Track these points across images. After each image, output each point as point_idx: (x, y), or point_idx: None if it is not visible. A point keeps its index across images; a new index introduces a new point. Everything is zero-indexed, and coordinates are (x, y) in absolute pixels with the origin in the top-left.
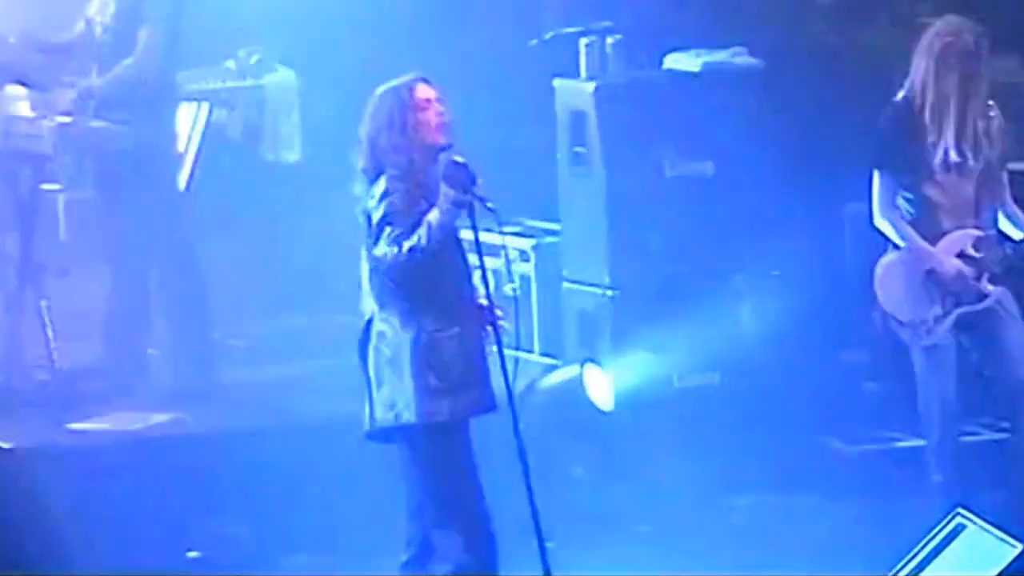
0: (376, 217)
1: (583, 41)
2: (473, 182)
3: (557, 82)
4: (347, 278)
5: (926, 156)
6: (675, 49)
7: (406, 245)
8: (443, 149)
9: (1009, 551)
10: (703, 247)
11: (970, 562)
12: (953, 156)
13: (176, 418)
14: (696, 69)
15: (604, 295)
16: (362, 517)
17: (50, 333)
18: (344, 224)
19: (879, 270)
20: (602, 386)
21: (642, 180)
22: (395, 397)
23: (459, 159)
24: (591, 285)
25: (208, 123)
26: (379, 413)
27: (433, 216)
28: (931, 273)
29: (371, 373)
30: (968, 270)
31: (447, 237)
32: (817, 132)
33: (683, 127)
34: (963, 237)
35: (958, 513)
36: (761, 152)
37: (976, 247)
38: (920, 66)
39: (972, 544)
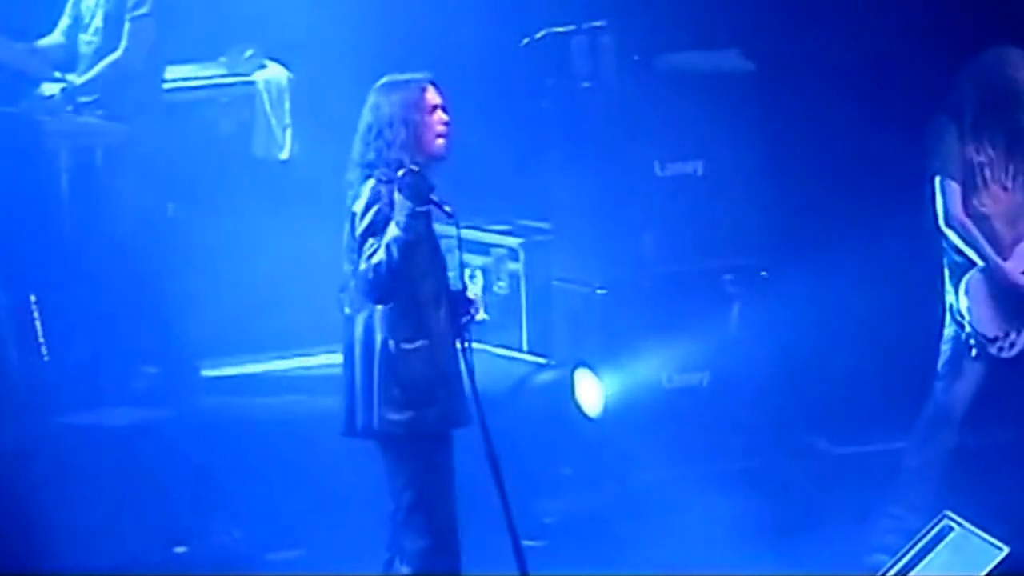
0: (361, 227)
1: (575, 40)
2: (430, 190)
3: (549, 81)
4: (337, 275)
5: (973, 166)
6: (667, 49)
7: (373, 261)
8: (438, 160)
9: (995, 554)
10: (693, 247)
11: (957, 565)
12: (999, 174)
13: (163, 414)
14: (687, 69)
15: (594, 294)
16: (349, 515)
17: (39, 327)
18: (335, 222)
19: (964, 287)
20: (592, 393)
21: (632, 180)
22: (363, 401)
23: (415, 168)
24: (581, 284)
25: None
26: (353, 414)
27: (391, 232)
28: (1008, 288)
29: (347, 372)
30: None
31: (414, 249)
32: (808, 133)
33: (674, 127)
34: None
35: (945, 516)
36: (751, 153)
37: None
38: (968, 92)
39: (959, 547)
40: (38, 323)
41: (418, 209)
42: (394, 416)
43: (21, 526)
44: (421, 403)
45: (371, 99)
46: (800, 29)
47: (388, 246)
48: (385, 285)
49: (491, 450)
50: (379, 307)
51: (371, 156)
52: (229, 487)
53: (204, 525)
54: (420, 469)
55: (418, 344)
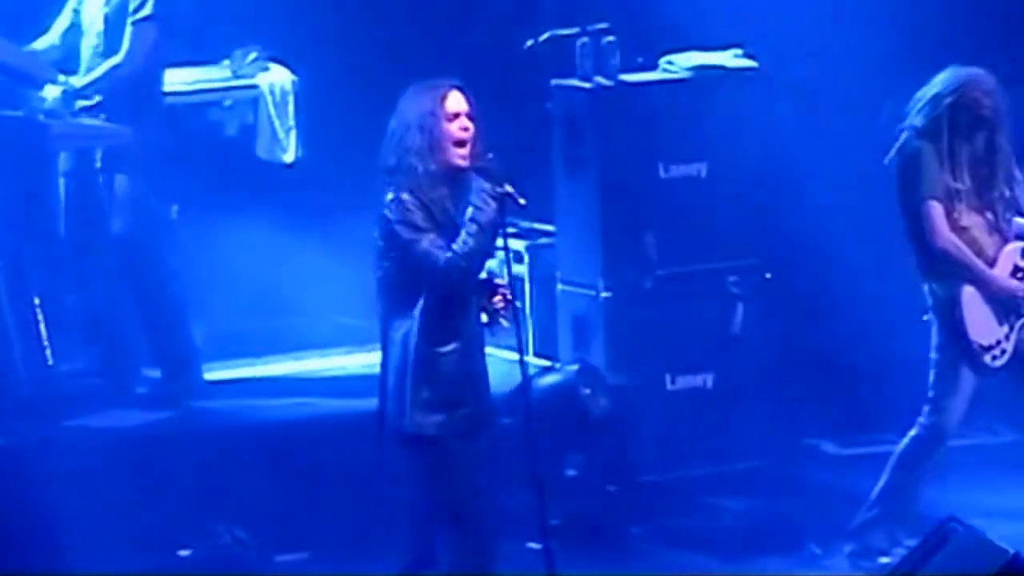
0: (402, 233)
1: (579, 42)
2: (506, 177)
3: (553, 83)
4: (341, 277)
5: (950, 187)
6: (671, 50)
7: (456, 248)
8: (458, 171)
9: (1000, 556)
10: (697, 249)
11: (961, 566)
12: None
13: (166, 417)
14: (691, 71)
15: (598, 297)
16: (355, 517)
17: (43, 330)
18: (340, 224)
19: (960, 301)
20: (596, 395)
21: (636, 182)
22: (395, 402)
23: (490, 155)
24: (585, 287)
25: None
26: (389, 415)
27: (472, 213)
28: (1000, 294)
29: (382, 376)
30: (1021, 285)
31: (487, 233)
32: (812, 135)
33: (678, 129)
34: (1012, 252)
35: (950, 517)
36: (755, 155)
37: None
38: (944, 116)
39: (963, 548)
40: (42, 326)
41: (497, 190)
42: (424, 419)
43: (26, 528)
44: (450, 405)
45: (399, 104)
46: (803, 30)
47: (477, 226)
48: (474, 267)
49: (533, 451)
50: (415, 311)
51: (392, 161)
52: (233, 490)
53: (208, 528)
54: (442, 473)
55: (450, 348)
